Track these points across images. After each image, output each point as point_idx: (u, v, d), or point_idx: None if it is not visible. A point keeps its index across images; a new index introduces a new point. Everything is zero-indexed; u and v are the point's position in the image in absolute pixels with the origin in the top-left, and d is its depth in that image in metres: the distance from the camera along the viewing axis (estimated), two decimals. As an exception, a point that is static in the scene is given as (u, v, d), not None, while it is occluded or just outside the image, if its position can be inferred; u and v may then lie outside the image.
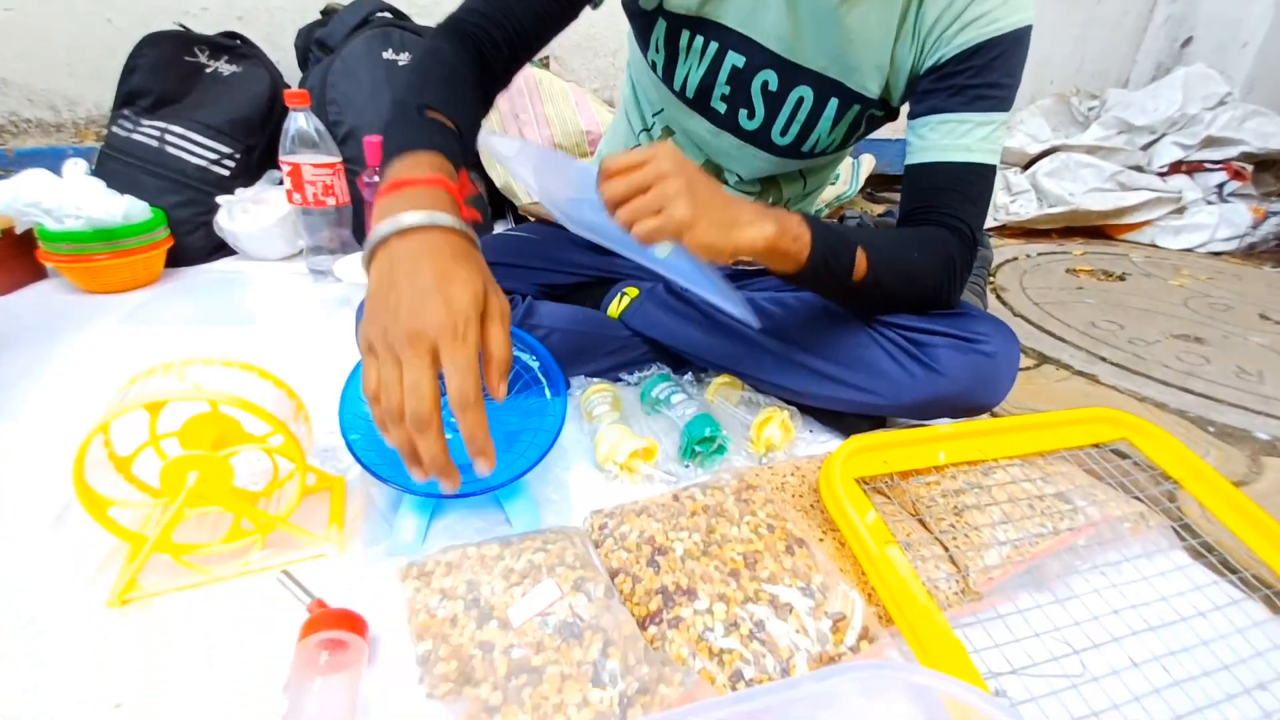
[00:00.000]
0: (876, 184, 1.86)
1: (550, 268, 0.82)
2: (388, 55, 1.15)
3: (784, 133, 0.69)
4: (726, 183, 0.77)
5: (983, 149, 0.61)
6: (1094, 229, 1.63)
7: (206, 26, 1.23)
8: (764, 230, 0.50)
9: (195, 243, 1.13)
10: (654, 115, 0.77)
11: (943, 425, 0.61)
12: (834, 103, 0.66)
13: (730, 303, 0.52)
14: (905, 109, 0.68)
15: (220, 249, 1.17)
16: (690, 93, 0.70)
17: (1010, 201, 1.61)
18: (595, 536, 0.54)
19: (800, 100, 0.67)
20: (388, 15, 1.20)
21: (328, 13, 1.24)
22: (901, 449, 0.57)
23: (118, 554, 0.51)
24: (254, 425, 0.51)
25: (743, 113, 0.69)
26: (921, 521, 0.54)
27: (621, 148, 0.82)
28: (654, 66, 0.71)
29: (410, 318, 0.39)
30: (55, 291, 1.03)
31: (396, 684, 0.42)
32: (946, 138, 0.61)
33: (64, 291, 1.03)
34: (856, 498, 0.52)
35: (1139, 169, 1.62)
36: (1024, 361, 0.95)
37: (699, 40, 0.66)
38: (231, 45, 1.18)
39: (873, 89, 0.65)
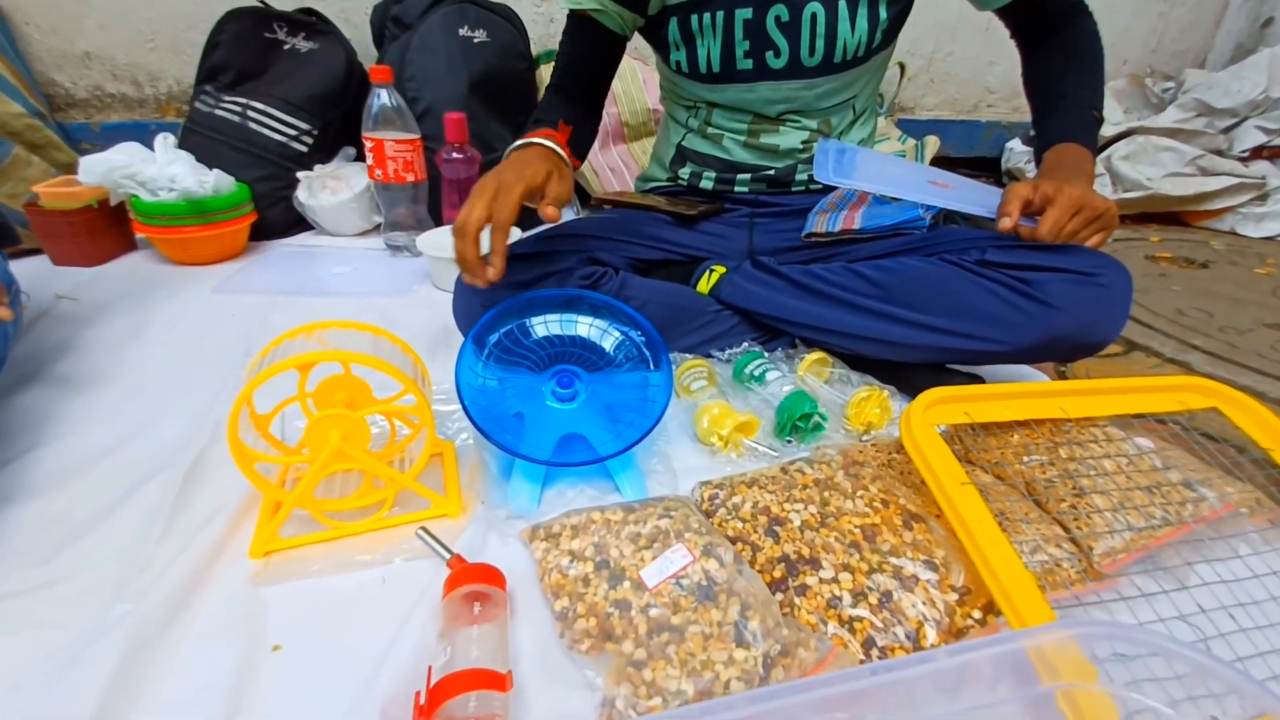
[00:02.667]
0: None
1: (639, 242, 0.82)
2: (463, 32, 1.15)
3: (811, 53, 0.74)
4: (786, 126, 0.81)
5: None
6: (1170, 215, 1.57)
7: (283, 2, 1.25)
8: (1093, 178, 0.70)
9: (275, 217, 1.16)
10: (695, 105, 0.84)
11: (1025, 383, 0.60)
12: (843, 5, 0.71)
13: (983, 208, 0.68)
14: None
15: (298, 223, 1.20)
16: (716, 66, 0.77)
17: (1080, 186, 1.56)
18: (706, 507, 0.55)
19: (814, 16, 0.72)
20: (461, -9, 1.21)
21: (402, -11, 1.25)
22: (981, 402, 0.57)
23: (250, 507, 0.53)
24: (380, 387, 0.52)
25: (768, 55, 0.75)
26: (1038, 503, 0.54)
27: (673, 141, 0.89)
28: (679, 66, 0.80)
29: (489, 181, 0.61)
30: (146, 262, 1.07)
31: (537, 635, 0.44)
32: None
33: (154, 262, 1.07)
34: (934, 442, 0.52)
35: (1219, 153, 1.55)
36: (1112, 348, 0.93)
37: (707, 16, 0.74)
38: (309, 22, 1.20)
39: None
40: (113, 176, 0.99)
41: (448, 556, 0.46)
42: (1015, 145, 1.76)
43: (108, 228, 1.04)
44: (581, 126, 0.81)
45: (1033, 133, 0.77)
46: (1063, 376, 0.84)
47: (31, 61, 1.24)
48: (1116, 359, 0.90)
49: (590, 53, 0.80)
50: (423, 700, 0.35)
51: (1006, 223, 0.64)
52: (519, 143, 0.69)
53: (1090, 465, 0.55)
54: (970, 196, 0.72)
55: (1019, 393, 0.58)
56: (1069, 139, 0.69)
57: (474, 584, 0.43)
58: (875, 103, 0.88)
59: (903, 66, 1.62)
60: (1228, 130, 1.59)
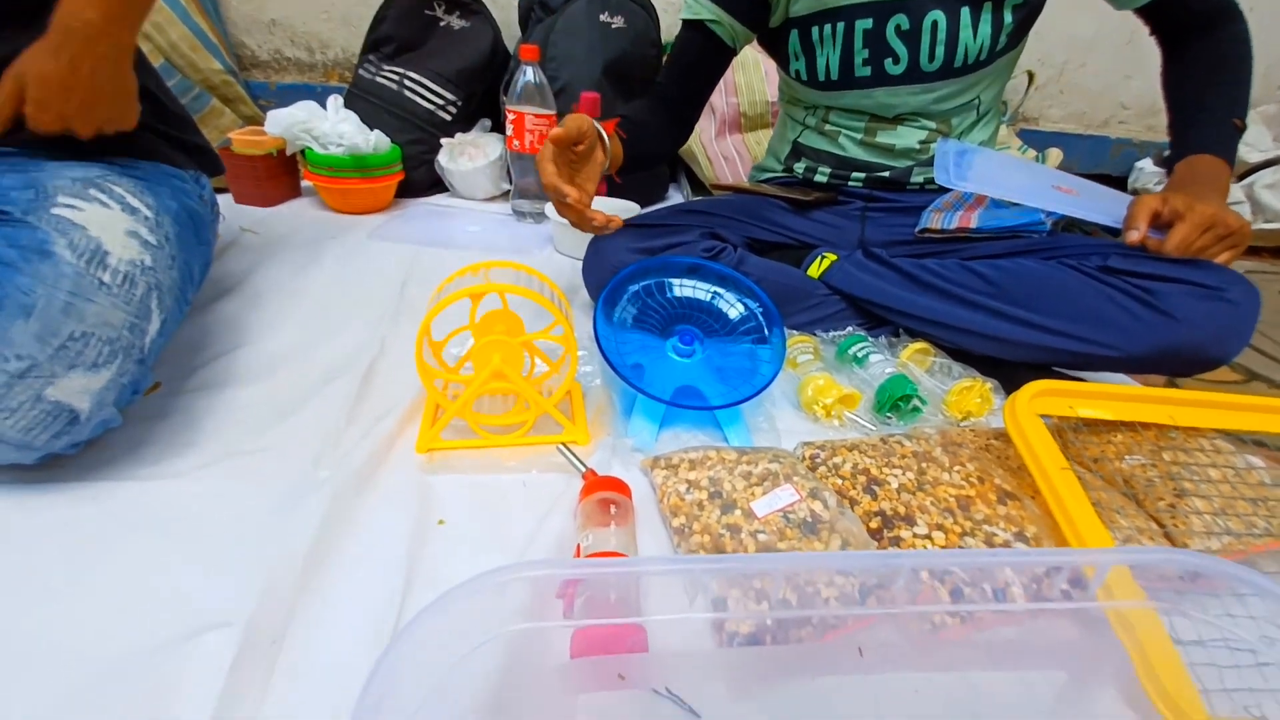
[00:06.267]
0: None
1: (757, 224, 0.87)
2: (603, 18, 1.23)
3: (931, 59, 0.76)
4: (904, 126, 0.83)
5: None
6: (1315, 252, 1.47)
7: (442, -17, 1.37)
8: (1227, 192, 0.69)
9: (418, 177, 1.28)
10: (812, 106, 0.88)
11: (1135, 386, 0.61)
12: (966, 11, 0.73)
13: (1109, 218, 0.69)
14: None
15: (435, 185, 1.32)
16: (835, 74, 0.81)
17: (1214, 213, 1.48)
18: (808, 464, 0.60)
19: (934, 24, 0.74)
20: (604, -20, 1.28)
21: (550, -25, 1.34)
22: (1088, 399, 0.59)
23: (415, 410, 0.63)
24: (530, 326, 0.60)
25: (887, 62, 0.78)
26: (1136, 500, 0.56)
27: (789, 137, 0.93)
28: (798, 75, 0.84)
29: None
30: (309, 208, 1.21)
31: (657, 547, 0.50)
32: None
33: (316, 209, 1.21)
34: (1037, 426, 0.54)
35: (1382, 190, 1.43)
36: (1231, 375, 0.90)
37: (828, 28, 0.78)
38: (464, 2, 1.31)
39: None
40: (293, 130, 1.13)
41: (583, 470, 0.54)
42: (1146, 165, 1.68)
43: (282, 174, 1.19)
44: (656, 128, 0.86)
45: (1166, 153, 0.76)
46: (1173, 396, 0.83)
47: (228, 25, 1.41)
48: (1234, 386, 0.87)
49: (699, 62, 0.85)
50: (574, 567, 0.42)
51: (1134, 236, 0.65)
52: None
53: (1194, 472, 0.57)
54: (1095, 205, 0.72)
55: (1127, 395, 0.60)
56: (1205, 151, 0.69)
57: (606, 491, 0.50)
58: (999, 104, 0.88)
59: (1031, 75, 1.58)
60: (1397, 166, 1.47)
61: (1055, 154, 1.55)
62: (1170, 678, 0.38)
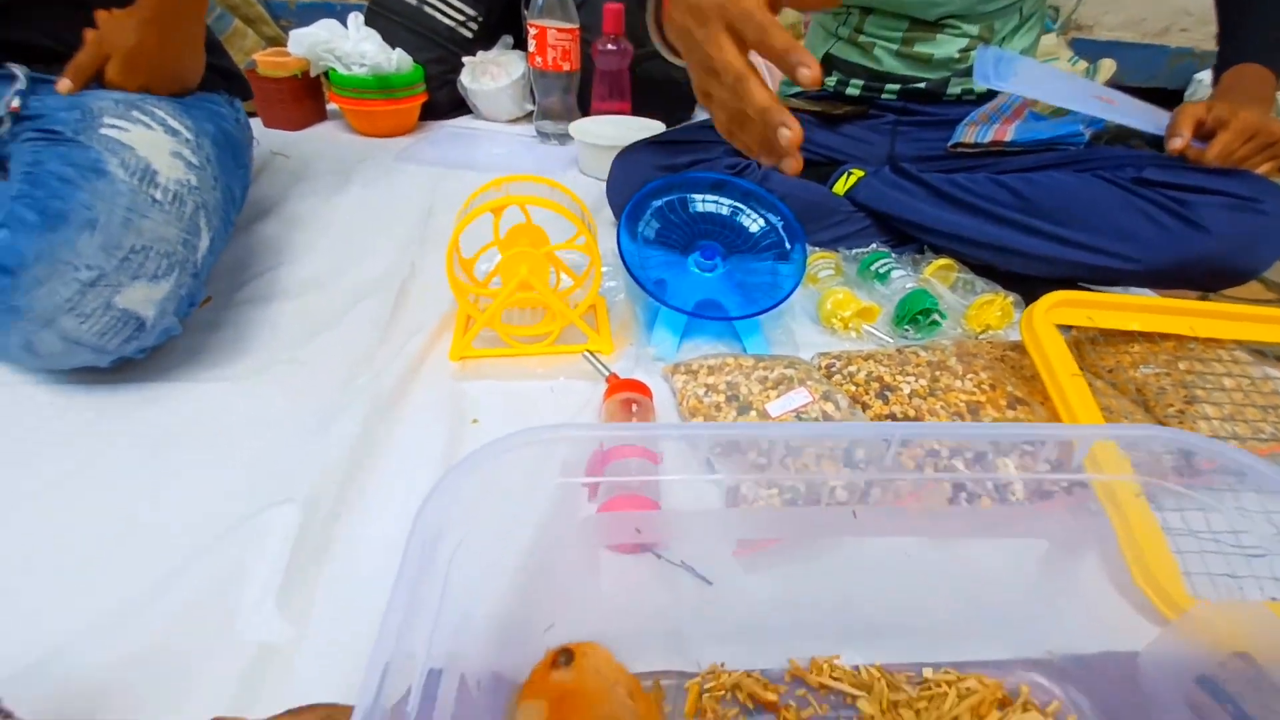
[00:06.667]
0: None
1: (782, 140, 0.86)
2: (627, -79, 1.17)
3: None
4: (945, 34, 0.79)
5: None
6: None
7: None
8: (1273, 102, 0.67)
9: (441, 99, 1.27)
10: (846, 11, 0.82)
11: (1155, 297, 0.62)
12: None
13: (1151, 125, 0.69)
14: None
15: (458, 107, 1.31)
16: None
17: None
18: (823, 373, 0.62)
19: None
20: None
21: (571, -124, 1.27)
22: (1107, 310, 0.59)
23: (445, 326, 0.66)
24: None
25: None
26: (1146, 406, 0.57)
27: (820, 51, 0.87)
28: None
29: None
30: (335, 131, 1.22)
31: (674, 445, 0.54)
32: None
33: (342, 131, 1.22)
34: (1052, 335, 0.55)
35: None
36: (1264, 293, 0.89)
37: None
38: (481, -92, 1.26)
39: None
40: (316, 50, 1.12)
41: (606, 374, 0.57)
42: (1204, 78, 1.58)
43: (307, 97, 1.20)
44: None
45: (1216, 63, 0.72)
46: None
47: (243, -59, 1.38)
48: (1270, 305, 0.85)
49: None
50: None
51: (1177, 143, 0.63)
52: None
53: (1208, 380, 0.57)
54: (1136, 114, 0.70)
55: (1147, 306, 0.60)
56: (1253, 59, 0.66)
57: (628, 392, 0.53)
58: (1044, 8, 0.84)
59: (1087, -23, 1.47)
60: None
61: (1108, 65, 1.46)
62: (1154, 559, 0.41)
